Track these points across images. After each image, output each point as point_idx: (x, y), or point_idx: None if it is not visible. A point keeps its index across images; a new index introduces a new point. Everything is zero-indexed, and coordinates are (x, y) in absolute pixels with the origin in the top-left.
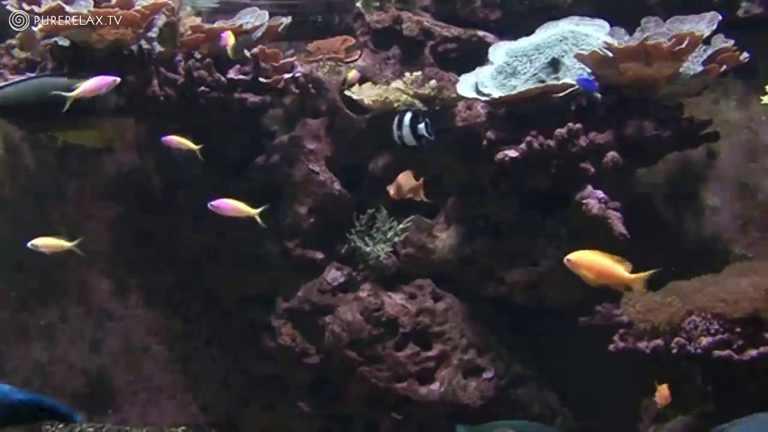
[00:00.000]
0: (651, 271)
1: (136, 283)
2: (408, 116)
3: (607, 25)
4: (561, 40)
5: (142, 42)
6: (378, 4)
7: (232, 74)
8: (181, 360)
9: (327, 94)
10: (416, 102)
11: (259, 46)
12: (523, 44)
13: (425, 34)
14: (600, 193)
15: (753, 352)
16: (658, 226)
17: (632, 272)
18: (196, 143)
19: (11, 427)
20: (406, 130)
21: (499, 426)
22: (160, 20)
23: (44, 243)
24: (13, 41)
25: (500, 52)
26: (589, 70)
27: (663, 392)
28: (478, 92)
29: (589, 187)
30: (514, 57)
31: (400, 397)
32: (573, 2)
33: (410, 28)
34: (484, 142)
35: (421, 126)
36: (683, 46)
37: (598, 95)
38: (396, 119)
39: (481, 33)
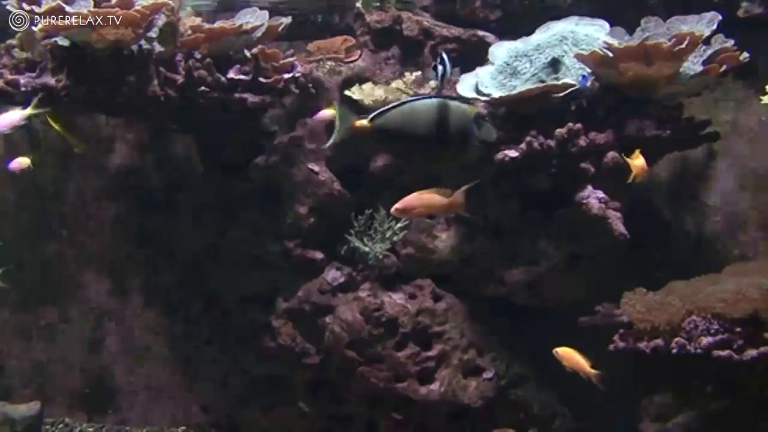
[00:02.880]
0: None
1: (136, 283)
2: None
3: (607, 25)
4: (561, 40)
5: (142, 42)
6: (378, 4)
7: (232, 74)
8: (181, 360)
9: (327, 94)
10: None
11: (259, 46)
12: (523, 44)
13: (425, 34)
14: (600, 193)
15: (753, 352)
16: (658, 226)
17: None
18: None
19: None
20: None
21: None
22: (160, 20)
23: None
24: (13, 41)
25: (500, 52)
26: (589, 70)
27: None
28: (478, 92)
29: (589, 187)
30: (514, 57)
31: (400, 397)
32: (573, 2)
33: (410, 28)
34: None
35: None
36: (683, 46)
37: (590, 82)
38: (439, 61)
39: (481, 33)
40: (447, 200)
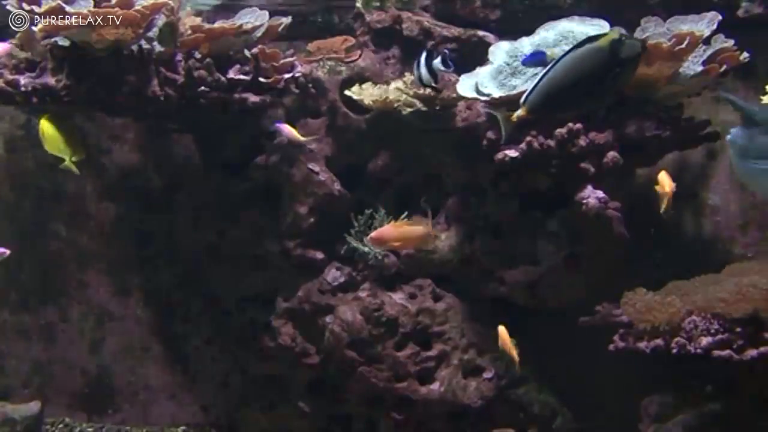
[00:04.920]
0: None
1: (136, 283)
2: (423, 55)
3: (607, 25)
4: (561, 40)
5: (142, 42)
6: (378, 4)
7: (232, 74)
8: (181, 360)
9: (327, 94)
10: (416, 102)
11: (259, 46)
12: (523, 44)
13: (425, 34)
14: (600, 193)
15: (753, 352)
16: (658, 226)
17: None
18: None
19: None
20: (423, 69)
21: None
22: (160, 20)
23: None
24: (13, 41)
25: (500, 52)
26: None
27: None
28: (478, 92)
29: (589, 187)
30: (514, 57)
31: (400, 397)
32: (573, 2)
33: (410, 28)
34: (484, 142)
35: (437, 61)
36: (683, 46)
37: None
38: (416, 61)
39: (481, 33)
40: (420, 234)
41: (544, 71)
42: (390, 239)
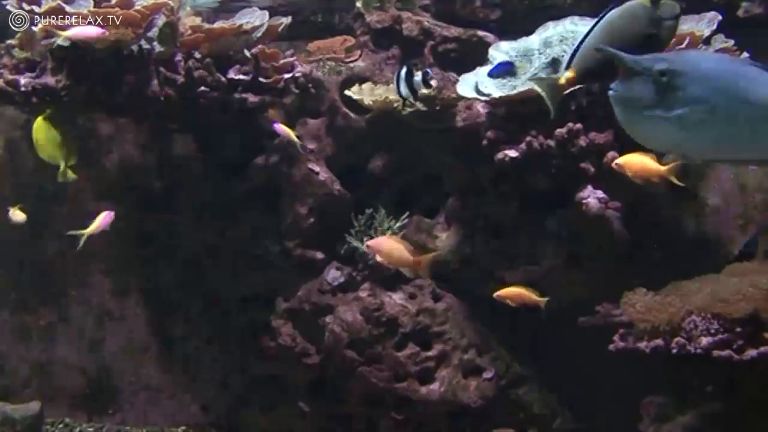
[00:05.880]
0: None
1: (136, 283)
2: (404, 71)
3: None
4: (561, 40)
5: (142, 42)
6: (378, 4)
7: (232, 74)
8: (181, 360)
9: (327, 94)
10: (416, 102)
11: (259, 46)
12: (523, 44)
13: (425, 34)
14: (600, 193)
15: (753, 352)
16: (658, 226)
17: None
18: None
19: None
20: (402, 85)
21: None
22: (160, 20)
23: None
24: (13, 41)
25: (500, 52)
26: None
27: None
28: (478, 92)
29: (589, 187)
30: (513, 57)
31: (400, 397)
32: (573, 2)
33: (410, 28)
34: (484, 142)
35: (417, 78)
36: (683, 46)
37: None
38: (396, 74)
39: (481, 33)
40: (412, 260)
41: (587, 30)
42: (381, 255)
